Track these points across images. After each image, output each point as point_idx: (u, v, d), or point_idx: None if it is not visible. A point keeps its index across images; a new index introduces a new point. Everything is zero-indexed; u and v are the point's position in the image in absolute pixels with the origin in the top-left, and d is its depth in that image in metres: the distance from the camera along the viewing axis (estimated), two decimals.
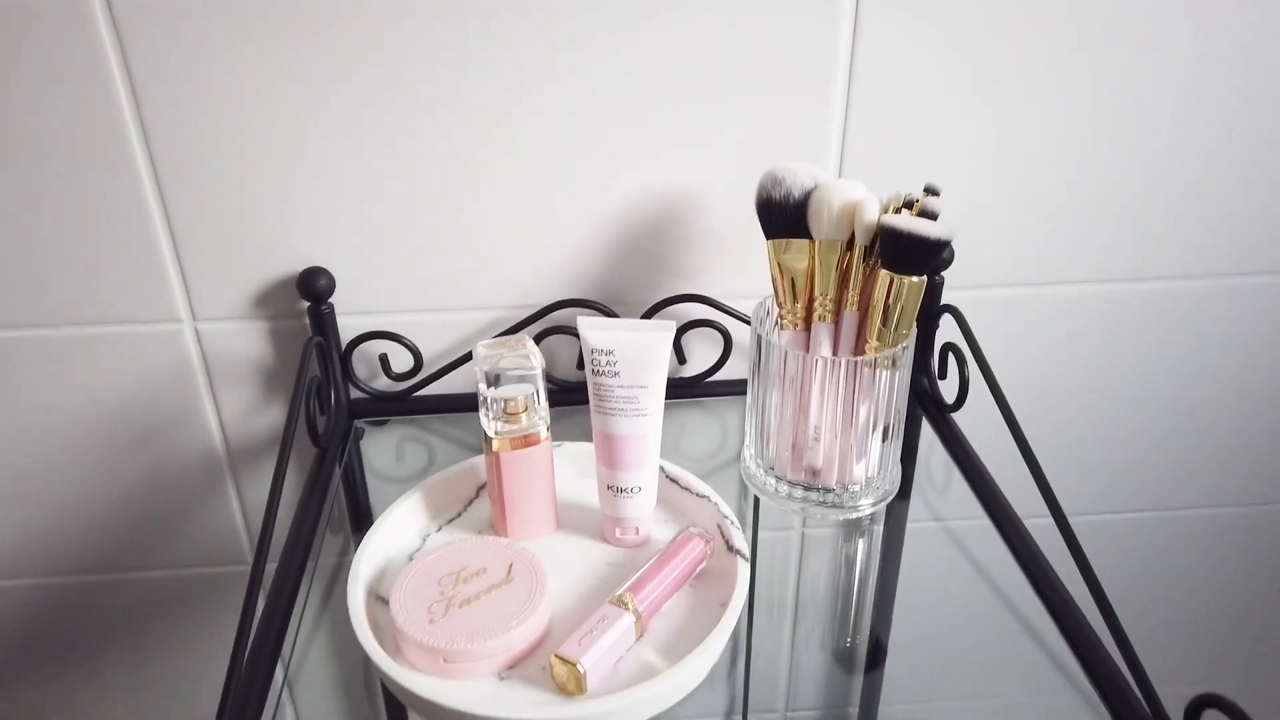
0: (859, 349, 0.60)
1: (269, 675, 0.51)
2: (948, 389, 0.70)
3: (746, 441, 0.65)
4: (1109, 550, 0.89)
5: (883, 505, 0.63)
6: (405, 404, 0.72)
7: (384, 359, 0.71)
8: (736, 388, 0.74)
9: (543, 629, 0.51)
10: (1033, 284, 0.74)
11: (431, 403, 0.73)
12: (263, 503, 0.59)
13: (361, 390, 0.72)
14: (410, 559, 0.58)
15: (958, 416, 0.70)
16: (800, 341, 0.61)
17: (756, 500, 0.65)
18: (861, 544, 0.65)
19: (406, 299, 0.70)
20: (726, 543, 0.56)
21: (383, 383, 0.73)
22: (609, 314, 0.70)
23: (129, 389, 0.72)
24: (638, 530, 0.58)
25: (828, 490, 0.61)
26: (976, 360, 0.65)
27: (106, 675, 0.85)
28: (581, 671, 0.47)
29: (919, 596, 0.64)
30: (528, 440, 0.56)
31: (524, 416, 0.55)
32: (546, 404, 0.56)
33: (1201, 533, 0.89)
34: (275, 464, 0.57)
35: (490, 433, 0.55)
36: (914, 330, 0.59)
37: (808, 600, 0.63)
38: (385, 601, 0.54)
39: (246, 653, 0.50)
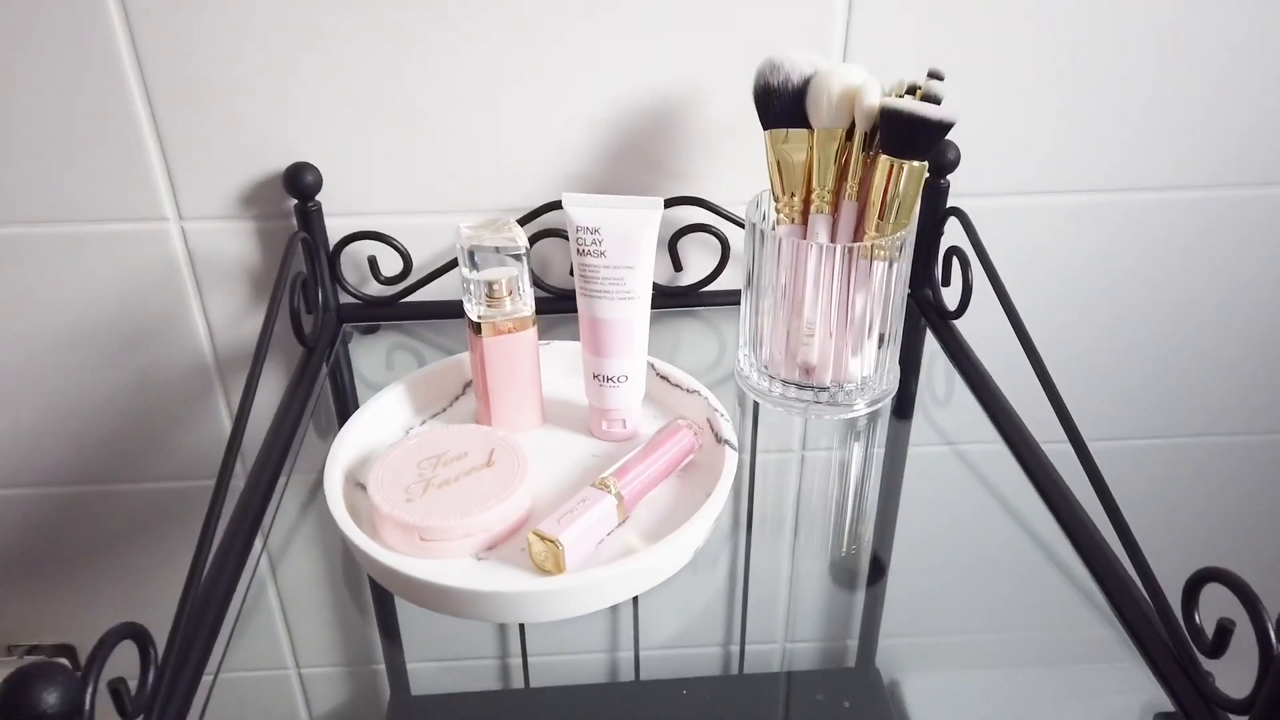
0: (857, 240, 0.58)
1: (239, 567, 0.50)
2: (951, 298, 0.68)
3: (740, 341, 0.63)
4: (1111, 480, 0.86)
5: (881, 405, 0.61)
6: (394, 309, 0.71)
7: (373, 261, 0.69)
8: (734, 298, 0.72)
9: (523, 511, 0.50)
10: (1042, 192, 0.72)
11: (421, 309, 0.71)
12: (253, 414, 0.58)
13: (350, 294, 0.70)
14: None
15: (963, 333, 0.68)
16: (797, 234, 0.59)
17: (756, 410, 0.63)
18: (858, 448, 0.63)
19: (396, 200, 0.69)
20: (715, 434, 0.55)
21: (373, 288, 0.71)
22: None
23: (113, 291, 0.70)
24: (625, 423, 0.56)
25: (822, 389, 0.59)
26: (982, 264, 0.62)
27: (92, 590, 0.84)
28: (561, 548, 0.46)
29: (920, 513, 0.62)
30: (513, 325, 0.54)
31: (508, 300, 0.54)
32: (531, 289, 0.54)
33: (1212, 461, 0.87)
34: (254, 351, 0.56)
35: (473, 316, 0.54)
36: (914, 222, 0.57)
37: (805, 518, 0.62)
38: (364, 488, 0.53)
39: (215, 545, 0.49)
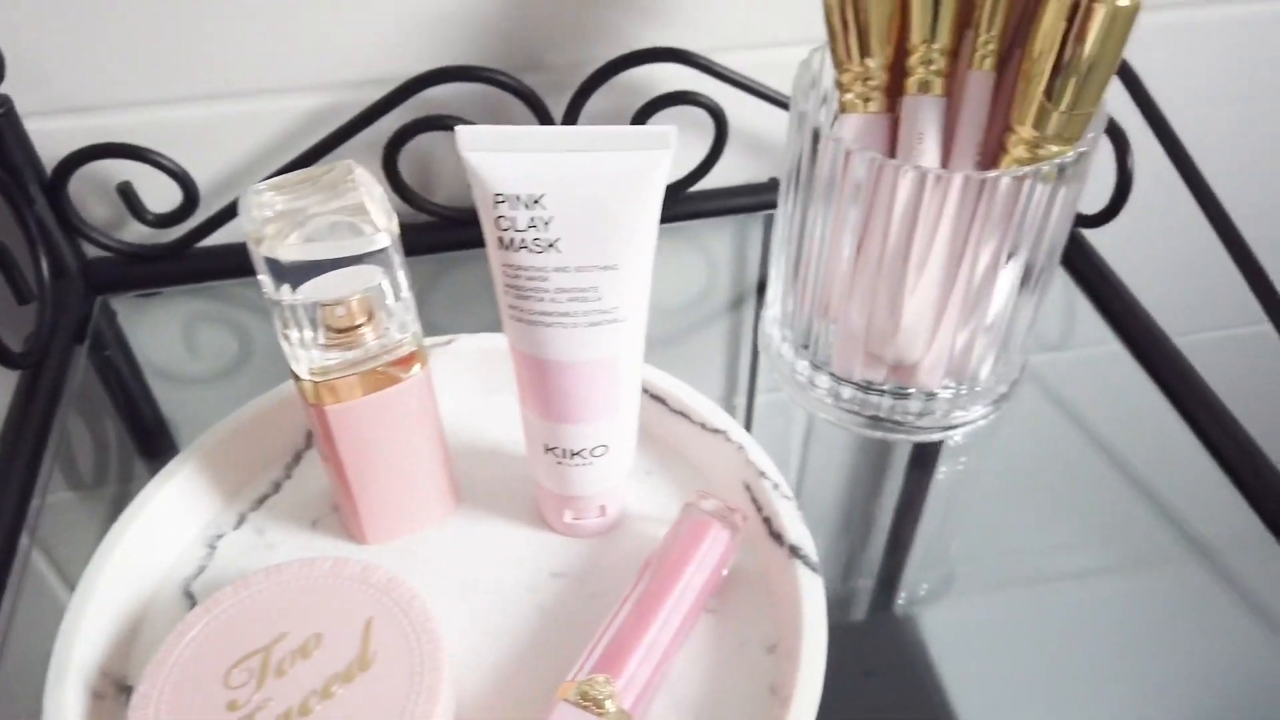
0: (990, 150, 0.32)
1: None
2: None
3: (771, 300, 0.38)
4: None
5: (1001, 409, 0.38)
6: (181, 264, 0.43)
7: (128, 193, 0.41)
8: (731, 201, 0.46)
9: None
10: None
11: (228, 257, 0.43)
12: None
13: (100, 245, 0.42)
14: (186, 595, 0.31)
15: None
16: (878, 132, 0.33)
17: (753, 376, 0.40)
18: (951, 475, 0.39)
19: (156, 81, 0.39)
20: (767, 525, 0.31)
21: (134, 231, 0.43)
22: (523, 94, 0.40)
23: None
24: (604, 509, 0.32)
25: (927, 396, 0.35)
26: (1163, 141, 0.38)
27: None
28: None
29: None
30: (381, 376, 0.28)
31: (368, 332, 0.27)
32: (411, 295, 0.28)
33: None
34: None
35: (300, 371, 0.27)
36: (1104, 110, 0.31)
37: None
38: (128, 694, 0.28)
39: None
